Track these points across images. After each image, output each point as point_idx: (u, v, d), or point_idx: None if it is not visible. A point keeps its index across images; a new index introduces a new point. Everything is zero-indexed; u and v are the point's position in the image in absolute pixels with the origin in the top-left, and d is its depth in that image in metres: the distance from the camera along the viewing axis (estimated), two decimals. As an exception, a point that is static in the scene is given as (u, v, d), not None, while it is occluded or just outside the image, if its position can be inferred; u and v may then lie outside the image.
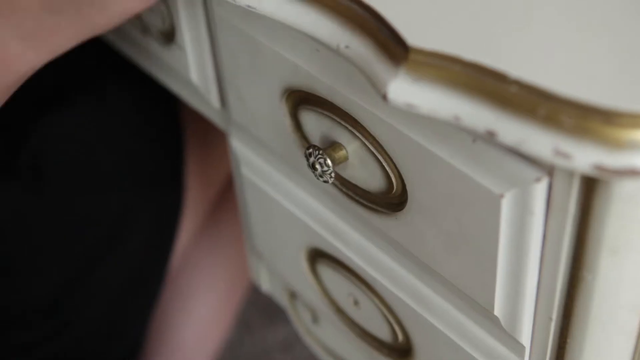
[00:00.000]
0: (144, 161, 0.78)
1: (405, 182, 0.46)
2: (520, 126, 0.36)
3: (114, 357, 0.79)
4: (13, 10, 0.41)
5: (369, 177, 0.49)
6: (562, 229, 0.40)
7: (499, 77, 0.37)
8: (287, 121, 0.53)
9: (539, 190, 0.39)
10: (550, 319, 0.45)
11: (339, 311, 0.64)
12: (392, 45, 0.40)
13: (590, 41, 0.39)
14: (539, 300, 0.44)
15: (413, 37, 0.39)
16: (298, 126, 0.53)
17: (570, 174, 0.38)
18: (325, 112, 0.49)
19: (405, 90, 0.39)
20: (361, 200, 0.51)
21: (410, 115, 0.42)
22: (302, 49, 0.48)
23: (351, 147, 0.48)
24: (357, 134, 0.47)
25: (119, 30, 0.71)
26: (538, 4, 0.41)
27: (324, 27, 0.43)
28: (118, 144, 0.79)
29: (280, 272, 0.69)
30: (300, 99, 0.50)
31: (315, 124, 0.51)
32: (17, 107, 0.76)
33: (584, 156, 0.35)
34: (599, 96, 0.35)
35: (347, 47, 0.42)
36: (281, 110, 0.52)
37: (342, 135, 0.48)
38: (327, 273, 0.62)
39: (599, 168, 0.35)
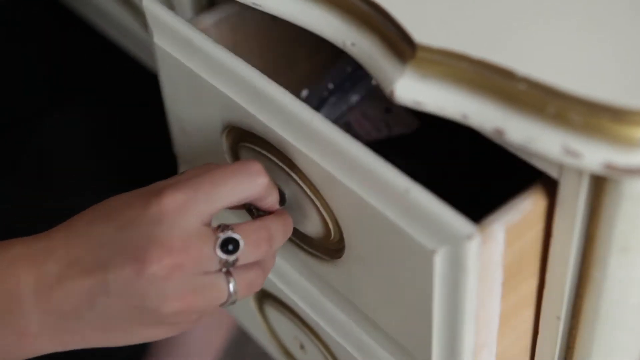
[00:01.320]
0: (145, 161, 0.77)
1: (342, 229, 0.44)
2: (528, 124, 0.35)
3: (119, 356, 0.77)
4: (49, 298, 0.43)
5: (307, 221, 0.46)
6: (571, 228, 0.39)
7: (507, 75, 0.36)
8: (227, 158, 0.50)
9: (472, 247, 0.37)
10: (559, 318, 0.43)
11: (287, 354, 0.62)
12: (399, 43, 0.39)
13: (599, 38, 0.38)
14: (546, 300, 0.43)
15: (420, 34, 0.39)
16: (239, 163, 0.50)
17: (579, 172, 0.37)
18: (263, 152, 0.46)
19: (412, 87, 0.38)
20: (300, 243, 0.48)
21: (345, 159, 0.40)
22: (239, 85, 0.46)
23: (288, 189, 0.46)
24: (294, 176, 0.45)
25: (122, 27, 0.69)
26: (546, 1, 0.40)
27: (329, 24, 0.42)
28: (118, 144, 0.78)
29: (232, 311, 0.67)
30: (240, 136, 0.48)
31: (254, 163, 0.49)
32: (18, 107, 0.76)
33: (594, 155, 0.34)
34: (609, 93, 0.34)
35: (353, 44, 0.41)
36: (222, 146, 0.50)
37: (279, 177, 0.46)
38: (274, 314, 0.59)
39: (609, 167, 0.34)
